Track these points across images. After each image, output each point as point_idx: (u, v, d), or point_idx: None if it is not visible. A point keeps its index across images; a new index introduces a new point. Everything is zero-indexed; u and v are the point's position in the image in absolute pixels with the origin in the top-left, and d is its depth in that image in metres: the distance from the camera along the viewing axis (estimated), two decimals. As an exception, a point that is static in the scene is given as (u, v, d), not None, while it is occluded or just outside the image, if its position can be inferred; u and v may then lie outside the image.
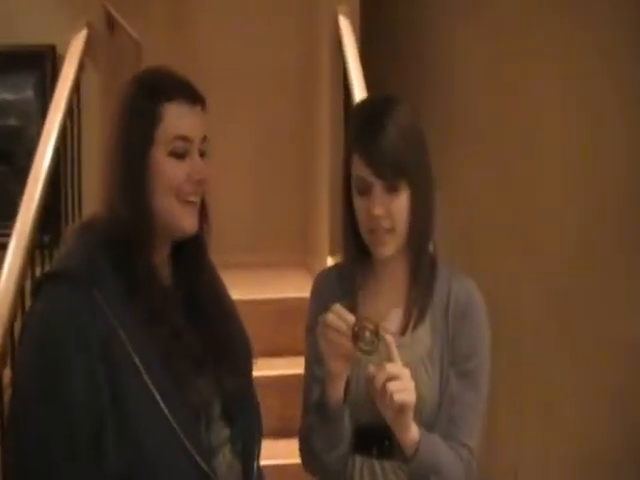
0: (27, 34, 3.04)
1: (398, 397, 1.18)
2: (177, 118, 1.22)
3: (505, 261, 2.73)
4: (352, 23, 3.21)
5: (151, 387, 1.14)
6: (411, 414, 1.23)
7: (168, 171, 1.22)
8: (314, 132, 3.82)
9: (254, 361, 1.41)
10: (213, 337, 1.29)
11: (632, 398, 2.52)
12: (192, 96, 1.26)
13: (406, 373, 1.21)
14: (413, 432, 1.26)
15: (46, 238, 2.34)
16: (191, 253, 1.32)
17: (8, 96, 3.06)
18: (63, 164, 2.66)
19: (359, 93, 2.78)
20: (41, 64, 3.04)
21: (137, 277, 1.20)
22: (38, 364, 1.13)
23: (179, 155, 1.23)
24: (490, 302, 1.41)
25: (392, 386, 1.18)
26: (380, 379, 1.19)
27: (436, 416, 1.32)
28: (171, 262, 1.31)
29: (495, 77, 2.77)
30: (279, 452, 1.89)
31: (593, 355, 2.36)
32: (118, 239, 1.20)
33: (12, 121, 3.05)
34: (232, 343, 1.32)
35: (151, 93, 1.23)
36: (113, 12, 3.40)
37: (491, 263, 2.75)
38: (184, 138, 1.23)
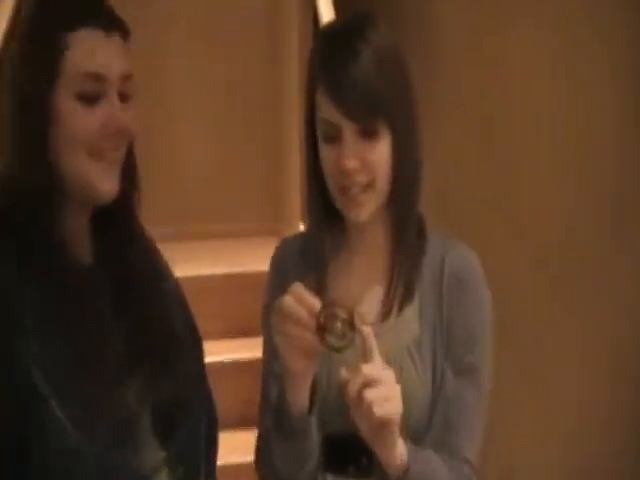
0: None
1: (379, 410, 0.89)
2: (86, 49, 0.97)
3: (485, 228, 2.57)
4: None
5: (56, 410, 0.89)
6: (396, 429, 0.94)
7: (76, 119, 0.97)
8: (282, 84, 3.54)
9: (203, 355, 1.17)
10: (144, 331, 1.04)
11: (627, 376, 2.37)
12: (107, 21, 1.00)
13: (389, 377, 0.92)
14: (399, 450, 0.96)
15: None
16: (116, 223, 1.06)
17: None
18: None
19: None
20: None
21: (41, 256, 0.95)
22: None
23: (89, 98, 0.97)
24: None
25: (371, 395, 0.89)
26: (355, 386, 0.90)
27: (428, 421, 1.05)
28: (92, 236, 1.05)
29: (478, 45, 2.56)
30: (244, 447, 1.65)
31: (586, 331, 2.23)
32: (16, 206, 0.96)
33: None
34: (169, 337, 1.06)
35: (51, 19, 0.99)
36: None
37: (468, 229, 2.59)
38: (95, 76, 0.97)
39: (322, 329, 0.90)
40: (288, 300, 0.92)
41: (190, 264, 2.94)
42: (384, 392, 0.90)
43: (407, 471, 0.97)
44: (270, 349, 1.08)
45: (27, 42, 1.00)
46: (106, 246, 1.05)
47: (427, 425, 1.04)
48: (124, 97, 1.01)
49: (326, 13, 2.64)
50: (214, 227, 3.60)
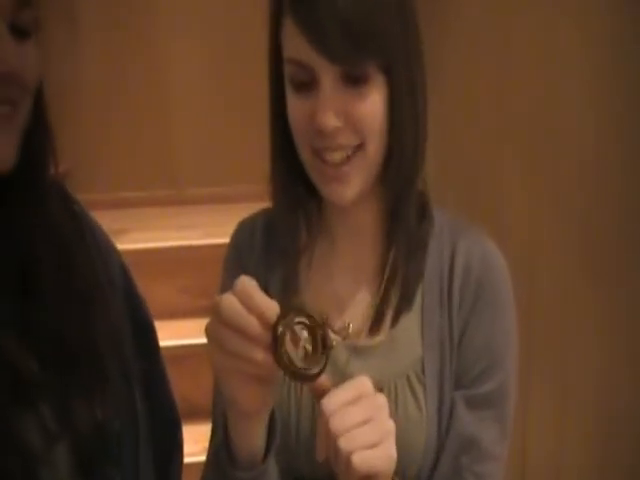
0: None
1: (361, 463, 0.61)
2: None
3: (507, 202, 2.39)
4: None
5: None
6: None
7: None
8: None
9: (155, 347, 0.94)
10: (55, 337, 0.79)
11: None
12: None
13: (380, 404, 0.64)
14: None
15: None
16: (20, 200, 0.80)
17: None
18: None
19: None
20: None
21: None
22: None
23: None
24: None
25: (348, 442, 0.61)
26: (325, 424, 0.62)
27: (431, 471, 0.78)
28: None
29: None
30: None
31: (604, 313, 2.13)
32: None
33: None
34: (93, 342, 0.81)
35: None
36: None
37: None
38: None
39: (280, 345, 0.62)
40: (231, 302, 0.64)
41: (173, 232, 2.80)
42: (368, 435, 0.62)
43: None
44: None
45: None
46: (7, 226, 0.79)
47: (431, 476, 0.78)
48: (19, 31, 0.74)
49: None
50: (208, 191, 3.46)
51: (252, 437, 0.70)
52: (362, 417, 0.62)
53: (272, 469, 0.73)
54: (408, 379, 0.79)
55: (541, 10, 2.15)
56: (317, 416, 0.64)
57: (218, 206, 3.31)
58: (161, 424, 0.92)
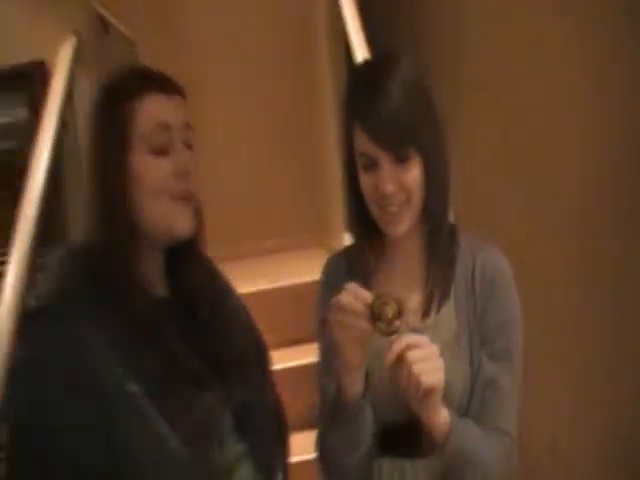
0: (14, 52, 2.95)
1: (426, 379, 1.03)
2: (151, 110, 1.13)
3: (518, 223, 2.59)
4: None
5: (151, 418, 1.05)
6: (440, 397, 1.08)
7: (151, 171, 1.11)
8: (317, 100, 3.71)
9: (269, 362, 1.32)
10: (216, 348, 1.19)
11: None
12: (166, 87, 1.16)
13: (433, 349, 1.06)
14: (443, 416, 1.11)
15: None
16: (185, 257, 1.21)
17: (1, 119, 2.97)
18: (64, 178, 2.57)
19: (360, 53, 2.63)
20: (32, 81, 2.94)
21: (126, 292, 1.10)
22: (27, 416, 1.04)
23: (160, 150, 1.12)
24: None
25: (416, 367, 1.03)
26: (396, 348, 1.04)
27: (467, 405, 1.19)
28: (167, 272, 1.21)
29: (504, 30, 2.60)
30: (304, 446, 1.78)
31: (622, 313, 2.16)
32: (103, 256, 1.10)
33: (8, 144, 2.96)
34: (237, 351, 1.22)
35: (119, 93, 1.14)
36: (105, 14, 3.31)
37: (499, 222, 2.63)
38: (163, 126, 1.12)
39: (374, 317, 1.05)
40: (345, 295, 1.07)
41: (243, 281, 3.15)
42: (430, 365, 1.04)
43: (449, 435, 1.11)
44: (327, 352, 1.25)
45: (102, 113, 1.14)
46: (179, 277, 1.20)
47: (466, 410, 1.18)
48: (187, 145, 1.16)
49: (355, 36, 2.73)
50: (263, 244, 3.77)
51: (356, 383, 1.12)
52: (425, 354, 1.04)
53: (367, 408, 1.14)
54: (449, 346, 1.18)
55: (540, 54, 2.35)
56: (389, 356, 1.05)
57: (275, 256, 3.66)
58: (277, 409, 1.33)
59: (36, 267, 2.21)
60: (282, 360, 2.61)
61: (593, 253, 2.23)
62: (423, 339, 1.05)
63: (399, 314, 1.05)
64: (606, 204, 2.14)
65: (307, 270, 3.13)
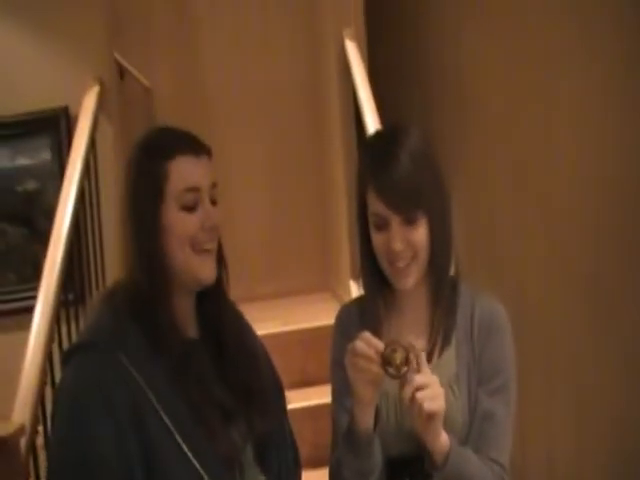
0: (39, 99, 3.09)
1: (428, 405, 1.16)
2: (183, 172, 1.23)
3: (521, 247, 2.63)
4: (359, 47, 3.22)
5: (182, 445, 1.14)
6: (441, 421, 1.20)
7: (181, 225, 1.23)
8: (327, 153, 3.82)
9: (286, 398, 1.42)
10: (241, 383, 1.29)
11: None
12: (196, 148, 1.27)
13: (435, 380, 1.19)
14: (443, 440, 1.23)
15: (70, 296, 2.35)
16: (213, 301, 1.33)
17: (26, 161, 3.11)
18: (83, 221, 2.69)
19: (370, 119, 2.79)
20: (56, 126, 3.09)
21: (161, 334, 1.20)
22: (68, 435, 1.13)
23: (190, 208, 1.24)
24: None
25: (421, 395, 1.16)
26: (409, 390, 1.17)
27: (466, 437, 1.30)
28: (196, 313, 1.32)
29: (508, 83, 2.74)
30: None
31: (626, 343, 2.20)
32: (139, 301, 1.21)
33: (31, 185, 3.10)
34: (260, 386, 1.32)
35: (155, 154, 1.25)
36: (122, 61, 3.45)
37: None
38: (193, 189, 1.24)
39: (385, 363, 1.17)
40: (359, 343, 1.19)
41: (256, 324, 3.20)
42: (431, 393, 1.17)
43: (448, 457, 1.22)
44: (340, 392, 1.36)
45: (137, 172, 1.24)
46: (207, 320, 1.31)
47: (465, 441, 1.29)
48: (213, 201, 1.28)
49: (366, 101, 2.90)
50: (274, 287, 3.86)
51: (368, 418, 1.23)
52: (428, 385, 1.17)
53: (377, 441, 1.25)
54: (450, 386, 1.30)
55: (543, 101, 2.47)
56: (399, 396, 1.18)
57: (284, 299, 3.75)
58: (294, 446, 1.43)
59: (66, 304, 2.32)
60: (290, 400, 2.65)
61: (593, 266, 2.25)
62: (426, 375, 1.18)
63: (407, 360, 1.17)
64: (607, 215, 2.15)
65: (315, 314, 3.24)
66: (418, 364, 1.19)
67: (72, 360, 1.19)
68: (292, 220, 4.05)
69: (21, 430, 1.79)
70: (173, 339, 1.21)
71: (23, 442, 1.81)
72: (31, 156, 3.10)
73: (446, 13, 3.28)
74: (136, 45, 3.84)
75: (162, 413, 1.14)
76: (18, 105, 3.07)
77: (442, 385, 1.21)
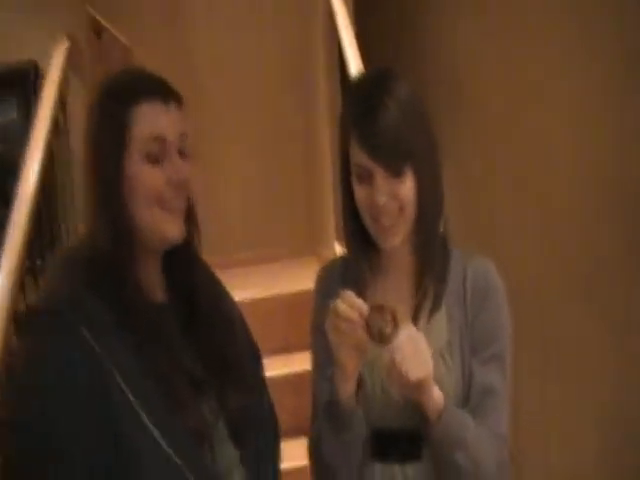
0: (7, 52, 2.94)
1: (414, 375, 1.08)
2: (148, 119, 1.13)
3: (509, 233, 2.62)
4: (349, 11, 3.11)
5: (148, 424, 1.05)
6: (431, 384, 1.13)
7: (145, 178, 1.12)
8: (313, 115, 3.73)
9: (263, 367, 1.34)
10: (215, 351, 1.20)
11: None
12: (164, 94, 1.16)
13: (419, 340, 1.10)
14: (436, 398, 1.14)
15: (39, 263, 2.23)
16: (182, 262, 1.23)
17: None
18: (53, 184, 2.57)
19: (355, 70, 2.66)
20: (23, 83, 2.94)
21: (124, 298, 1.11)
22: (26, 416, 1.05)
23: (155, 159, 1.13)
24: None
25: (405, 364, 1.08)
26: (392, 359, 1.09)
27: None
28: (164, 276, 1.22)
29: (507, 83, 2.67)
30: (296, 453, 1.79)
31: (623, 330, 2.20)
32: (101, 260, 1.11)
33: (-3, 144, 2.96)
34: (236, 354, 1.23)
35: (118, 96, 1.14)
36: (99, 18, 3.31)
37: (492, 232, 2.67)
38: (158, 138, 1.13)
39: (369, 326, 1.08)
40: (341, 305, 1.10)
41: (234, 290, 3.13)
42: (416, 360, 1.08)
43: (442, 414, 1.13)
44: (320, 359, 1.26)
45: (100, 117, 1.15)
46: (176, 283, 1.21)
47: None
48: (182, 154, 1.17)
49: (351, 54, 2.77)
50: (258, 253, 3.77)
51: (350, 387, 1.14)
52: (411, 350, 1.08)
53: (359, 413, 1.16)
54: (441, 354, 1.20)
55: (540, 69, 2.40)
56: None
57: (266, 265, 3.66)
58: (273, 418, 1.33)
59: (34, 271, 2.22)
60: (271, 368, 2.58)
61: (592, 266, 2.25)
62: (410, 335, 1.09)
63: (394, 325, 1.07)
64: (607, 216, 2.15)
65: (299, 280, 3.14)
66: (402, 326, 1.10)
67: (28, 327, 1.10)
68: (276, 184, 3.96)
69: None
70: (138, 303, 1.11)
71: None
72: (-3, 113, 2.96)
73: (443, 12, 3.19)
74: (116, 2, 3.69)
75: (127, 390, 1.05)
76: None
77: (432, 355, 1.12)
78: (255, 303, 2.91)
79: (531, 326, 2.46)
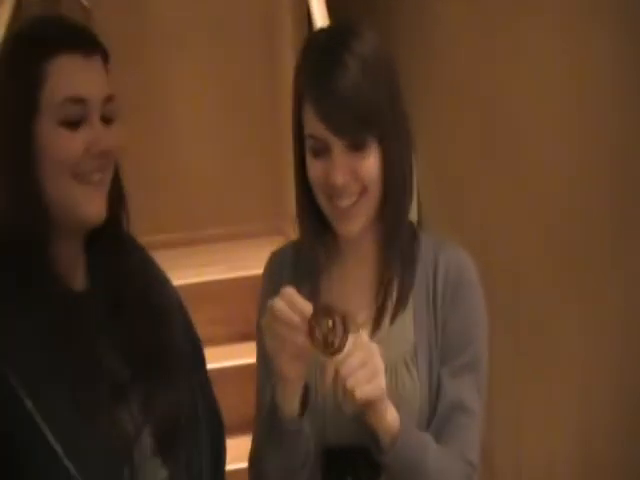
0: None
1: (361, 393, 0.90)
2: (66, 75, 0.97)
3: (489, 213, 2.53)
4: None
5: (50, 438, 0.89)
6: (383, 402, 0.95)
7: (60, 145, 0.96)
8: (280, 91, 3.53)
9: (204, 362, 1.18)
10: (140, 349, 1.04)
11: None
12: (86, 46, 0.99)
13: (370, 353, 0.92)
14: (390, 420, 0.96)
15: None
16: (108, 245, 1.06)
17: None
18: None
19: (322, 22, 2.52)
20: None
21: (31, 284, 0.95)
22: None
23: (72, 123, 0.97)
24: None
25: (351, 381, 0.89)
26: (332, 375, 0.91)
27: (426, 428, 1.03)
28: (86, 260, 1.05)
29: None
30: None
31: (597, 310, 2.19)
32: (7, 240, 0.96)
33: None
34: (165, 352, 1.06)
35: (31, 47, 0.98)
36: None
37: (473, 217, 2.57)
38: (77, 100, 0.97)
39: (313, 332, 0.90)
40: (279, 303, 0.91)
41: (197, 269, 2.97)
42: (364, 374, 0.90)
43: (397, 437, 0.96)
44: (264, 355, 1.07)
45: (6, 73, 0.98)
46: (100, 268, 1.05)
47: (426, 430, 1.03)
48: (107, 119, 1.00)
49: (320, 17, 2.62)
50: (221, 231, 3.60)
51: (292, 400, 0.96)
52: (360, 362, 0.90)
53: (305, 427, 0.99)
54: (405, 361, 1.03)
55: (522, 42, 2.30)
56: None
57: (233, 243, 3.49)
58: (212, 424, 1.17)
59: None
60: (231, 357, 2.45)
61: (564, 249, 2.19)
62: (359, 345, 0.91)
63: (343, 331, 0.89)
64: (583, 200, 2.11)
65: (261, 260, 3.00)
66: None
67: None
68: (243, 160, 3.77)
69: None
70: (50, 290, 0.95)
71: None
72: None
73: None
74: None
75: (27, 401, 0.89)
76: None
77: (395, 361, 0.96)
78: (216, 283, 2.77)
79: (505, 310, 2.35)
